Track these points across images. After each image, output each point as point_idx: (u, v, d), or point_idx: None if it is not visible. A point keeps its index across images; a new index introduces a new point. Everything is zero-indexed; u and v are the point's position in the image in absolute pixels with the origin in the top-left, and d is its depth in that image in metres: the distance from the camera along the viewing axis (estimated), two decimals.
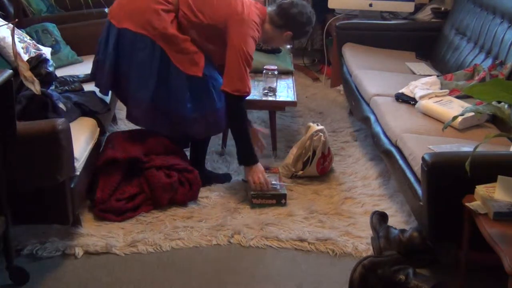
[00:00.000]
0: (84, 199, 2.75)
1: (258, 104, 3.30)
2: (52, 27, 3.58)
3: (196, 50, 2.76)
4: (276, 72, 3.27)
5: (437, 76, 3.35)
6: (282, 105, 3.35)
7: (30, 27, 3.50)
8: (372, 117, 3.15)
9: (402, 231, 2.47)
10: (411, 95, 3.08)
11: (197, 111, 2.80)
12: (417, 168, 2.37)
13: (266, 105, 3.33)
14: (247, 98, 2.88)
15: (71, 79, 3.09)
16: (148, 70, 2.72)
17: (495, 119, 2.81)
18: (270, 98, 3.29)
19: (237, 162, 2.94)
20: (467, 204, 2.03)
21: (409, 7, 4.44)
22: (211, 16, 2.75)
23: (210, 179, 3.05)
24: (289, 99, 3.30)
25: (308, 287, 2.31)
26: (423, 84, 3.12)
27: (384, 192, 3.00)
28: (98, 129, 2.84)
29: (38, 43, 3.31)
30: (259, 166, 2.88)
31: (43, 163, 2.23)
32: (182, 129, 2.86)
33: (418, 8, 4.49)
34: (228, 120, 2.86)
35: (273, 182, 2.92)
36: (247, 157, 2.88)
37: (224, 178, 3.08)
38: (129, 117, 2.94)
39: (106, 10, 3.85)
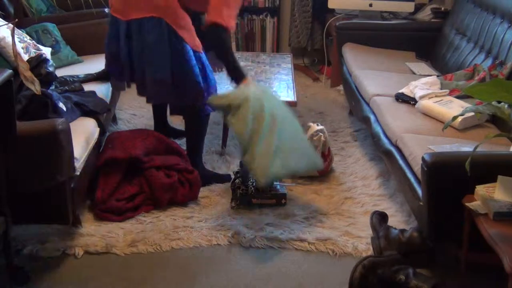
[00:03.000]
0: (84, 199, 2.75)
1: None
2: (52, 27, 3.58)
3: (192, 27, 2.85)
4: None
5: (437, 76, 3.35)
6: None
7: (30, 27, 3.50)
8: (372, 117, 3.15)
9: (402, 231, 2.47)
10: (411, 95, 3.08)
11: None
12: (417, 168, 2.37)
13: None
14: None
15: (71, 79, 3.09)
16: (161, 49, 2.76)
17: (495, 119, 2.81)
18: None
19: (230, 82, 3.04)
20: (467, 204, 2.03)
21: (409, 7, 4.44)
22: None
23: (210, 178, 3.05)
24: (289, 99, 3.30)
25: (308, 287, 2.31)
26: (423, 84, 3.12)
27: (384, 192, 3.00)
28: (98, 129, 2.84)
29: (38, 43, 3.31)
30: (248, 79, 2.97)
31: (43, 163, 2.23)
32: (186, 99, 2.90)
33: (418, 8, 4.49)
34: (214, 49, 2.96)
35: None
36: (236, 75, 2.95)
37: (224, 178, 3.08)
38: (152, 99, 2.97)
39: (106, 10, 3.85)
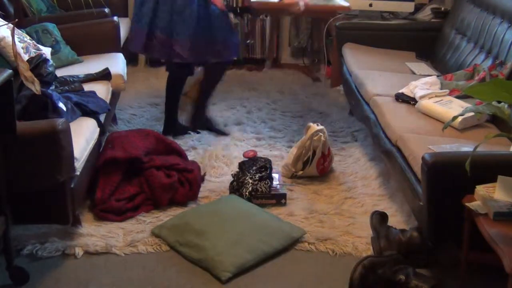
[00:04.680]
0: (84, 199, 2.75)
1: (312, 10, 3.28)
2: (52, 27, 3.58)
3: None
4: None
5: (437, 76, 3.35)
6: (336, 9, 3.32)
7: (30, 27, 3.50)
8: (372, 117, 3.15)
9: (402, 231, 2.47)
10: (411, 95, 3.08)
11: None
12: (417, 168, 2.37)
13: (320, 11, 3.31)
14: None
15: (71, 79, 3.09)
16: (189, 11, 3.18)
17: (495, 119, 2.81)
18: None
19: None
20: (467, 204, 2.03)
21: (409, 7, 4.43)
22: None
23: (211, 124, 3.54)
24: (342, 3, 3.24)
25: (308, 287, 2.31)
26: (423, 84, 3.12)
27: (384, 192, 3.00)
28: (98, 129, 2.84)
29: (38, 43, 3.30)
30: None
31: (43, 163, 2.23)
32: (222, 55, 3.36)
33: (418, 8, 4.48)
34: None
35: (273, 182, 2.92)
36: None
37: (223, 133, 3.56)
38: (177, 57, 3.31)
39: (106, 10, 3.85)
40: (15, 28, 2.14)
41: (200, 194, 2.91)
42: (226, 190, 2.97)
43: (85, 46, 3.64)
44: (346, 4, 3.19)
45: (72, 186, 2.39)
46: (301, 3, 3.16)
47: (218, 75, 3.62)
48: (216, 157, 3.32)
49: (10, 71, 1.98)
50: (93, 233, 2.58)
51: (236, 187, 2.90)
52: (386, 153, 2.83)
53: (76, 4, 3.63)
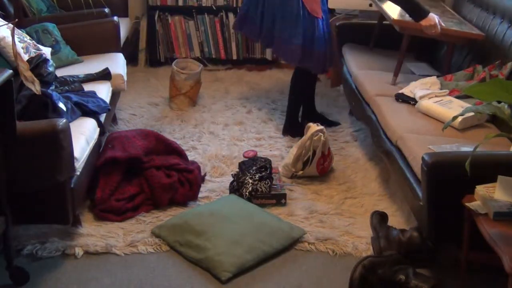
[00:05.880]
0: (84, 199, 2.75)
1: (448, 35, 3.23)
2: (52, 27, 3.58)
3: None
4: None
5: (437, 76, 3.35)
6: (468, 36, 3.26)
7: (30, 27, 3.50)
8: (372, 117, 3.15)
9: (402, 231, 2.48)
10: (411, 95, 3.09)
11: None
12: (417, 168, 2.37)
13: (454, 35, 3.25)
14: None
15: (71, 79, 3.09)
16: (295, 21, 3.36)
17: (495, 119, 2.81)
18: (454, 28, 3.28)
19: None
20: (467, 204, 2.03)
21: None
22: None
23: (322, 120, 3.59)
24: (475, 31, 3.25)
25: (308, 287, 2.32)
26: (423, 84, 3.12)
27: (384, 192, 3.00)
28: (98, 129, 2.84)
29: (38, 43, 3.30)
30: (431, 16, 3.17)
31: (43, 163, 2.24)
32: (322, 64, 3.51)
33: None
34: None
35: (273, 182, 2.92)
36: (418, 13, 3.19)
37: (332, 123, 3.73)
38: (284, 57, 3.75)
39: (106, 10, 3.85)
40: (15, 28, 2.14)
41: (200, 194, 2.91)
42: (226, 190, 2.97)
43: (85, 46, 3.64)
44: (478, 32, 3.20)
45: (72, 186, 2.39)
46: (438, 26, 3.14)
47: (306, 83, 3.73)
48: (216, 157, 3.32)
49: (10, 71, 1.98)
50: (93, 233, 2.58)
51: (236, 187, 2.90)
52: (386, 153, 2.83)
53: (76, 4, 3.63)
